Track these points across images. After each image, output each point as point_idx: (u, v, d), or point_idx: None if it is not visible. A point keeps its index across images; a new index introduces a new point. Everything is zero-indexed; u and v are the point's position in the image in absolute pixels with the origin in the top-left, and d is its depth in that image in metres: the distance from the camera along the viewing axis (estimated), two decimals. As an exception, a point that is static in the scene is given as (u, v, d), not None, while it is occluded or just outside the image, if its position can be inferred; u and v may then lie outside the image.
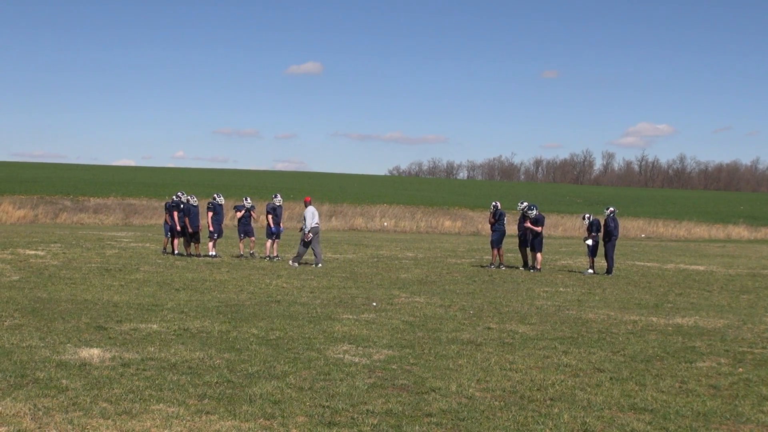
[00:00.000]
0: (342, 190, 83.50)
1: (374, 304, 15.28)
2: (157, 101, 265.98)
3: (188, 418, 7.13)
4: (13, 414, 7.03)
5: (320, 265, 23.31)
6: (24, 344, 10.10)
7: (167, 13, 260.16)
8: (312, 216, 23.45)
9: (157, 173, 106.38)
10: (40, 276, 18.26)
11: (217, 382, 8.45)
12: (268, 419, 7.19)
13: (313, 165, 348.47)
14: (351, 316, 13.52)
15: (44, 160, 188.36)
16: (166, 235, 26.47)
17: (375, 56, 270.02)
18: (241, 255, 25.72)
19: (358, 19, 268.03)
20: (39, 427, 6.71)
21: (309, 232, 23.38)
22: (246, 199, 26.50)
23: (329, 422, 7.17)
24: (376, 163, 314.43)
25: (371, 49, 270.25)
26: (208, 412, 7.31)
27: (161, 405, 7.50)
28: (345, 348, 10.62)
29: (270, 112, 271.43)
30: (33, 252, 24.58)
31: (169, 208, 26.02)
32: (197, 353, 9.91)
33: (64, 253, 24.80)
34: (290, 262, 23.57)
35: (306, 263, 23.77)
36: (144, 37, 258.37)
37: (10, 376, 8.34)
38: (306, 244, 23.40)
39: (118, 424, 6.87)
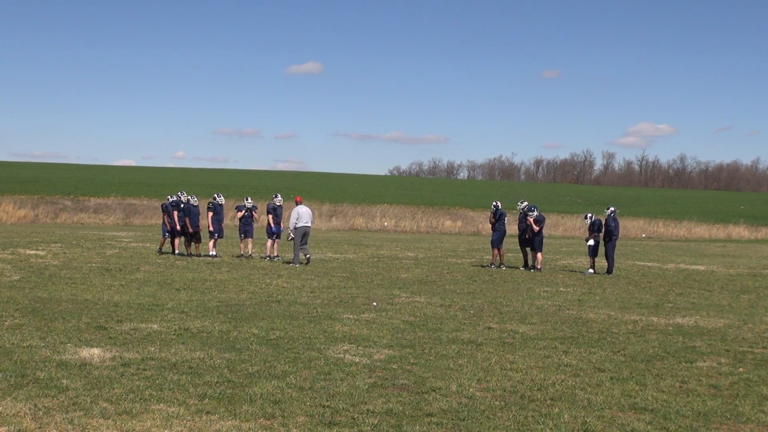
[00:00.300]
0: (342, 190, 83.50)
1: (375, 303, 15.28)
2: (157, 101, 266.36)
3: (189, 417, 7.13)
4: (14, 414, 7.02)
5: (308, 257, 23.53)
6: (24, 344, 10.10)
7: (167, 13, 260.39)
8: (297, 216, 23.66)
9: (157, 173, 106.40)
10: (40, 276, 18.26)
11: (217, 382, 8.44)
12: (269, 419, 7.19)
13: (314, 165, 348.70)
14: (351, 316, 13.51)
15: (44, 160, 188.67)
16: (164, 235, 26.55)
17: (375, 56, 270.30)
18: (241, 255, 25.73)
19: (358, 19, 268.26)
20: (39, 427, 6.70)
21: (291, 231, 23.82)
22: (247, 199, 26.54)
23: (329, 422, 7.16)
24: (376, 163, 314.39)
25: (371, 49, 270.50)
26: (208, 412, 7.31)
27: (162, 405, 7.49)
28: (345, 348, 10.62)
29: (270, 112, 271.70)
30: (33, 252, 24.58)
31: (166, 209, 26.13)
32: (198, 353, 9.91)
33: (64, 252, 24.80)
34: (290, 264, 23.57)
35: (304, 263, 23.77)
36: (144, 37, 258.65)
37: (11, 376, 8.33)
38: (297, 243, 23.59)
39: (118, 423, 6.87)
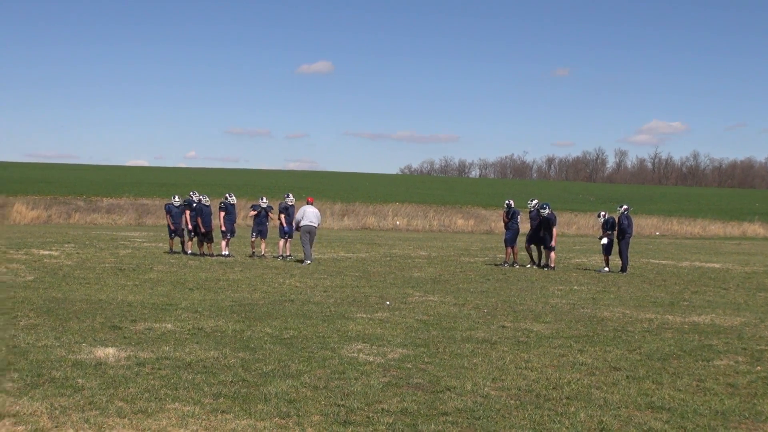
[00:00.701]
0: (354, 189, 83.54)
1: (388, 303, 15.25)
2: (168, 101, 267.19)
3: (204, 417, 7.12)
4: (31, 413, 7.04)
5: (308, 262, 23.58)
6: (40, 344, 10.12)
7: (178, 13, 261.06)
8: (302, 214, 23.86)
9: (169, 173, 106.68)
10: (54, 276, 18.31)
11: (232, 381, 8.44)
12: (284, 418, 7.18)
13: (325, 164, 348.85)
14: (365, 315, 13.49)
15: (57, 160, 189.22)
16: (171, 236, 26.79)
17: (385, 55, 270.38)
18: (253, 254, 25.75)
19: (368, 18, 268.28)
20: (56, 426, 6.72)
21: (295, 227, 24.29)
22: (262, 199, 26.54)
23: (344, 421, 7.15)
24: (387, 162, 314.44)
25: (381, 48, 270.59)
26: (223, 411, 7.31)
27: (177, 404, 7.49)
28: (359, 347, 10.60)
29: (281, 111, 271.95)
30: (47, 252, 24.65)
31: (169, 210, 26.49)
32: (212, 352, 9.91)
33: (77, 253, 24.86)
34: (303, 263, 23.58)
35: (317, 262, 23.76)
36: (155, 37, 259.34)
37: (27, 376, 8.35)
38: (303, 241, 23.73)
39: (134, 423, 6.88)
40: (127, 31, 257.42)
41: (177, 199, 26.96)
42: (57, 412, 7.10)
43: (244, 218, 44.55)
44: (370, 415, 7.37)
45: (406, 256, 27.89)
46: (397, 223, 59.19)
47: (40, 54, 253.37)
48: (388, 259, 26.64)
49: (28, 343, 10.12)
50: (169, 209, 26.74)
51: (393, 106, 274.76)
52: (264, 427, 6.92)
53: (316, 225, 24.03)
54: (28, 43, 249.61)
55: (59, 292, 15.56)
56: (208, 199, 26.20)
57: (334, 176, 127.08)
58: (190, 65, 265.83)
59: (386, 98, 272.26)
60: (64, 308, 13.30)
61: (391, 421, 7.20)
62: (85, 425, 6.76)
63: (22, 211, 53.94)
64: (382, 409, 7.56)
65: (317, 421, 7.11)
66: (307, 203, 24.51)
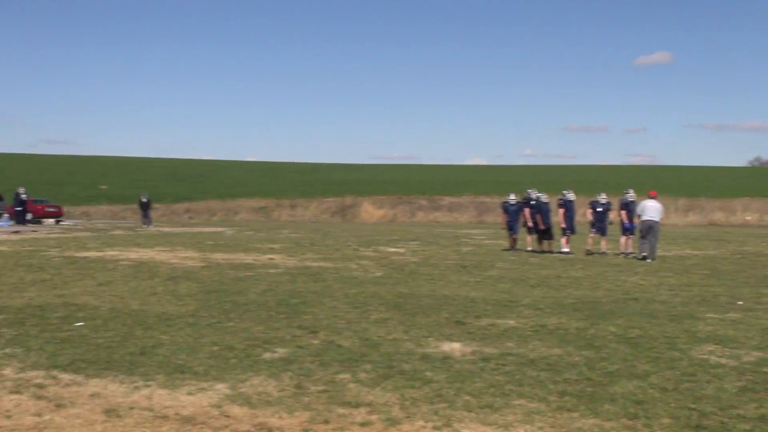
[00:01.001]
0: (697, 183, 79.84)
1: (740, 302, 14.36)
2: (506, 99, 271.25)
3: (549, 414, 7.08)
4: (383, 403, 7.37)
5: (644, 255, 23.06)
6: (389, 337, 10.59)
7: (513, 11, 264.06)
8: (642, 209, 23.24)
9: (506, 171, 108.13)
10: (401, 272, 19.14)
11: (576, 380, 8.31)
12: (631, 419, 6.95)
13: (665, 158, 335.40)
14: (715, 315, 12.78)
15: (400, 161, 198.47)
16: (510, 234, 27.03)
17: (729, 42, 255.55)
18: (590, 251, 25.37)
19: (707, 4, 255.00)
20: (407, 417, 6.97)
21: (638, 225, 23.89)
22: (601, 195, 26.17)
23: (696, 425, 6.79)
24: (734, 154, 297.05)
25: (724, 35, 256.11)
26: (569, 410, 7.22)
27: (522, 400, 7.51)
28: (710, 348, 10.05)
29: (618, 105, 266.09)
30: (393, 249, 25.89)
31: (506, 208, 26.67)
32: (555, 350, 9.85)
33: (422, 250, 25.88)
34: (646, 259, 22.92)
35: (662, 259, 22.95)
36: (489, 36, 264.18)
37: (379, 367, 8.76)
38: (642, 237, 23.13)
39: (480, 417, 6.98)
40: (452, 32, 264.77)
41: (513, 197, 27.21)
42: (407, 403, 7.38)
43: (583, 215, 44.24)
44: (725, 420, 6.94)
45: (759, 254, 26.20)
46: (748, 218, 55.81)
47: (385, 61, 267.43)
48: (739, 256, 25.16)
49: (379, 336, 10.63)
50: (505, 208, 27.06)
51: (739, 95, 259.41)
52: (611, 427, 6.75)
53: (657, 220, 23.25)
54: (335, 52, 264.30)
55: (406, 287, 16.23)
56: (546, 196, 26.22)
57: (675, 170, 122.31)
58: (526, 64, 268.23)
59: (731, 87, 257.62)
60: (411, 303, 13.84)
61: (748, 428, 6.74)
62: (434, 417, 6.96)
63: (370, 210, 57.24)
64: (738, 415, 7.10)
65: (667, 424, 6.81)
66: (649, 197, 23.80)
